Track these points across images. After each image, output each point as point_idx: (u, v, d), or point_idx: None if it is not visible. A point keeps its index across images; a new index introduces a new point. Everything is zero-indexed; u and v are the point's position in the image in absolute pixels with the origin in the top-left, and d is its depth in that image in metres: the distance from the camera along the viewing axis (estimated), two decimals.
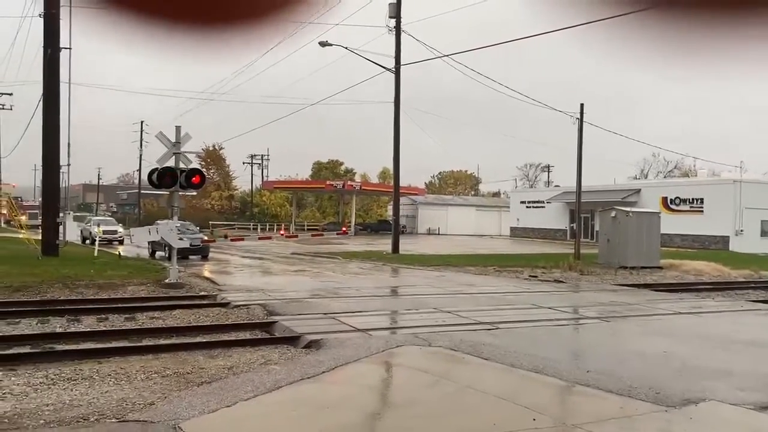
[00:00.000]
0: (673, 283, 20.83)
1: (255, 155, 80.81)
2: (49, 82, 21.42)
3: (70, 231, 32.88)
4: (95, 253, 23.93)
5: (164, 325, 10.62)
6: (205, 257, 26.74)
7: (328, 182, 60.93)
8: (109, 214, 71.88)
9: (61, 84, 21.66)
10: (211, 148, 75.22)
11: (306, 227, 63.66)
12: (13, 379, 6.81)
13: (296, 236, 51.79)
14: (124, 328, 10.37)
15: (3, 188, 39.39)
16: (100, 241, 31.03)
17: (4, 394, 6.24)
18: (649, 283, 20.36)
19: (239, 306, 12.40)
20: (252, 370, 7.47)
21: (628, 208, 27.78)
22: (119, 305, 12.43)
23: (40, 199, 30.23)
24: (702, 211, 43.45)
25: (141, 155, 67.45)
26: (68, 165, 24.00)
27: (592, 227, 46.27)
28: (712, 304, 15.00)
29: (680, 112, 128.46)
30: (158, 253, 26.13)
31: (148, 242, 26.25)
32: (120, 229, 37.39)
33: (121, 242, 34.36)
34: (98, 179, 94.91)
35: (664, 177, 76.75)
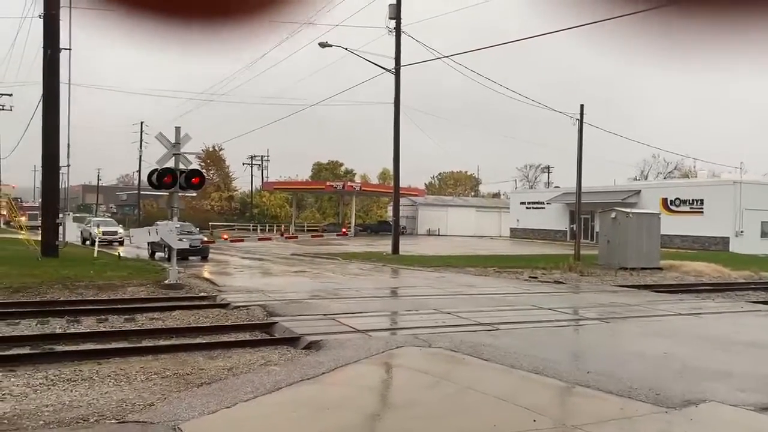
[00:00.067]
0: (673, 284, 20.82)
1: (255, 156, 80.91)
2: (48, 83, 21.42)
3: (70, 232, 32.87)
4: (95, 254, 23.93)
5: (164, 326, 10.61)
6: (204, 258, 26.74)
7: (328, 183, 60.94)
8: (109, 215, 71.85)
9: (61, 85, 21.69)
10: (210, 149, 75.22)
11: (306, 228, 63.65)
12: (12, 380, 6.80)
13: (296, 237, 51.80)
14: (123, 329, 10.36)
15: (3, 189, 39.39)
16: (99, 242, 31.04)
17: (3, 395, 6.23)
18: (649, 284, 20.35)
19: (239, 307, 12.40)
20: (252, 371, 7.46)
21: (628, 209, 27.78)
22: (119, 306, 12.42)
23: (40, 199, 30.22)
24: (702, 212, 43.45)
25: (141, 156, 67.51)
26: (68, 166, 23.97)
27: (592, 228, 46.26)
28: (712, 305, 15.00)
29: (680, 113, 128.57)
30: (158, 254, 26.14)
31: (148, 243, 26.25)
32: (120, 230, 37.38)
33: (121, 243, 34.34)
34: (98, 180, 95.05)
35: (664, 178, 76.78)
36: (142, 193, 69.26)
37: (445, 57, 27.07)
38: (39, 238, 22.74)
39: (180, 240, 17.54)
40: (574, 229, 37.55)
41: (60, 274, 16.16)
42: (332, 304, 13.13)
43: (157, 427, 5.36)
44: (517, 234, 58.81)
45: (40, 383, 6.68)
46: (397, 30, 29.00)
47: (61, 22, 21.31)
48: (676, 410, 6.01)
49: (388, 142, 30.21)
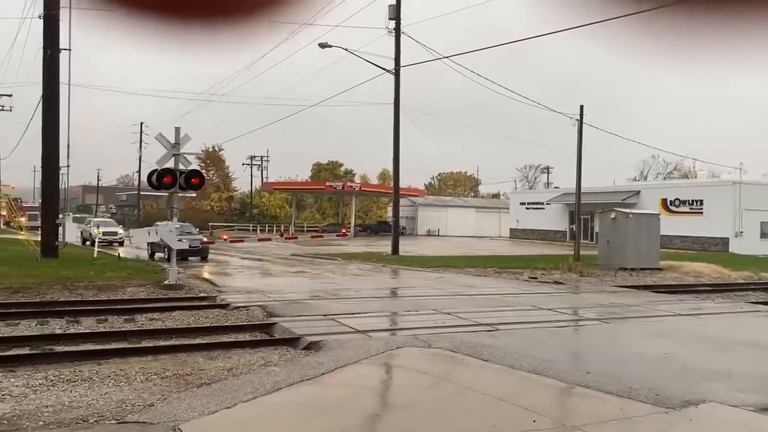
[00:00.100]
0: (673, 284, 20.82)
1: (254, 156, 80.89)
2: (48, 84, 21.43)
3: (70, 232, 32.89)
4: (95, 255, 23.93)
5: (164, 327, 10.61)
6: (204, 259, 26.74)
7: (327, 183, 60.94)
8: (109, 215, 71.85)
9: (60, 85, 21.70)
10: (210, 150, 75.22)
11: (305, 228, 63.64)
12: (12, 380, 6.80)
13: (296, 238, 51.80)
14: (123, 329, 10.36)
15: (2, 189, 39.39)
16: (100, 242, 31.04)
17: (3, 395, 6.23)
18: (649, 284, 20.35)
19: (239, 307, 12.39)
20: (252, 371, 7.46)
21: (627, 210, 27.78)
22: (119, 306, 12.42)
23: (40, 200, 30.21)
24: (702, 213, 43.46)
25: (140, 156, 67.50)
26: (68, 166, 23.99)
27: (592, 229, 46.27)
28: (712, 306, 15.00)
29: (680, 113, 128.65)
30: (157, 255, 26.13)
31: (148, 244, 26.24)
32: (120, 230, 37.39)
33: (120, 244, 34.35)
34: (98, 180, 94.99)
35: (664, 178, 76.79)
36: (141, 193, 69.24)
37: (444, 57, 27.09)
38: (39, 239, 22.74)
39: (180, 240, 17.53)
40: (574, 229, 37.55)
41: (60, 275, 16.16)
42: (332, 304, 13.13)
43: (157, 427, 5.36)
44: (516, 234, 58.81)
45: (39, 384, 6.68)
46: (397, 31, 29.01)
47: (60, 22, 21.35)
48: (676, 411, 6.01)
49: (387, 142, 30.23)
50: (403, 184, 36.41)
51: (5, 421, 5.41)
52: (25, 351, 8.46)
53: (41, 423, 5.40)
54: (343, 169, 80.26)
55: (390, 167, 32.77)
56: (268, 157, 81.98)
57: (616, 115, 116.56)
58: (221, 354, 8.53)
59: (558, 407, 6.53)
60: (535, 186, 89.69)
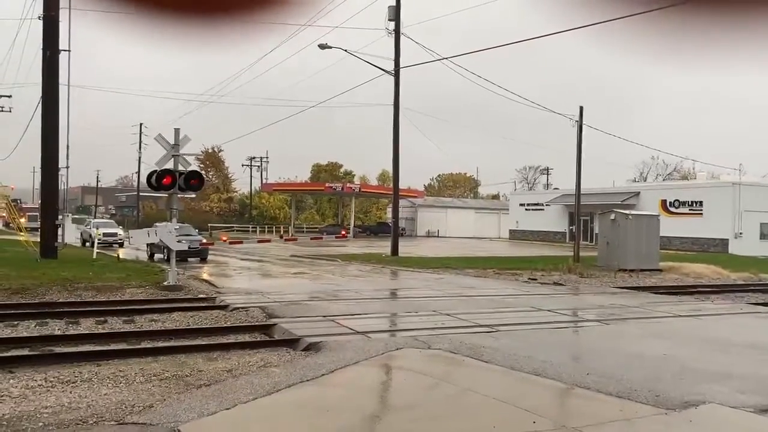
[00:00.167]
0: (673, 285, 20.82)
1: (254, 157, 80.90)
2: (48, 85, 21.43)
3: (69, 233, 32.86)
4: (94, 256, 23.92)
5: (163, 328, 10.60)
6: (203, 260, 26.73)
7: (327, 184, 60.98)
8: (108, 216, 71.85)
9: (60, 86, 21.69)
10: (210, 151, 75.31)
11: (305, 229, 63.67)
12: (11, 381, 6.79)
13: (295, 239, 51.77)
14: (122, 330, 10.35)
15: (1, 190, 39.37)
16: (99, 243, 31.01)
17: (2, 396, 6.22)
18: (649, 285, 20.36)
19: (238, 308, 12.39)
20: (251, 372, 7.46)
21: (627, 211, 27.79)
22: (118, 308, 12.40)
23: (39, 201, 30.20)
24: (701, 214, 43.48)
25: (140, 157, 67.48)
26: (67, 167, 23.97)
27: (592, 230, 46.30)
28: (712, 307, 15.00)
29: (679, 114, 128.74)
30: (157, 256, 26.13)
31: (147, 245, 26.25)
32: (120, 231, 37.37)
33: (121, 245, 34.34)
34: (97, 181, 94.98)
35: (664, 180, 76.80)
36: (141, 194, 69.20)
37: (444, 59, 27.09)
38: (38, 240, 22.73)
39: (179, 241, 17.54)
40: (574, 230, 37.56)
41: (59, 276, 16.14)
42: (332, 305, 13.12)
43: (157, 428, 5.35)
44: (516, 235, 58.82)
45: (39, 385, 6.67)
46: (397, 32, 29.02)
47: (60, 23, 21.35)
48: (676, 412, 6.00)
49: (387, 143, 30.24)
50: (402, 185, 36.42)
51: (4, 423, 5.41)
52: (25, 352, 8.45)
53: (41, 424, 5.39)
54: (342, 170, 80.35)
55: (389, 168, 32.80)
56: (267, 158, 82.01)
57: (616, 116, 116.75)
58: (221, 355, 8.52)
59: (558, 408, 6.53)
60: (534, 187, 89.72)
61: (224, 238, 46.39)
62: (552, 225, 55.19)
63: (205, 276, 19.64)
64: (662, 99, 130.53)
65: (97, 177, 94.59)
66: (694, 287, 20.53)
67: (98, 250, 26.16)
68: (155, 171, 15.90)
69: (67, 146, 22.63)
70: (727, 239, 41.95)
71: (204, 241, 28.96)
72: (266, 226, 64.81)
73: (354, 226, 59.00)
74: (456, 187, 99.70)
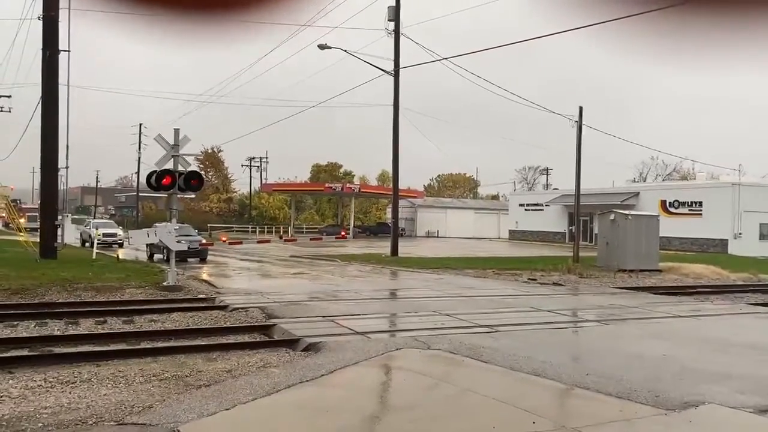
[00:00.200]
0: (672, 286, 20.83)
1: (254, 158, 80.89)
2: (47, 85, 21.42)
3: (69, 234, 32.83)
4: (93, 256, 23.90)
5: (163, 328, 10.59)
6: (203, 260, 26.72)
7: (326, 185, 60.97)
8: (108, 216, 71.84)
9: (60, 86, 21.68)
10: (209, 151, 75.29)
11: (304, 230, 63.65)
12: (11, 382, 6.79)
13: (295, 240, 51.75)
14: (122, 331, 10.34)
15: (1, 190, 39.35)
16: (100, 244, 31.00)
17: (2, 397, 6.21)
18: (648, 286, 20.36)
19: (238, 309, 12.38)
20: (251, 373, 7.45)
21: (627, 211, 27.80)
22: (117, 308, 12.40)
23: (39, 201, 30.20)
24: (701, 214, 43.50)
25: (139, 158, 67.46)
26: (66, 167, 23.95)
27: (591, 230, 46.33)
28: (711, 307, 15.00)
29: (679, 115, 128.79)
30: (156, 256, 26.13)
31: (147, 245, 26.24)
32: (120, 231, 37.36)
33: (120, 245, 34.32)
34: (96, 182, 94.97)
35: (663, 180, 76.83)
36: (140, 194, 69.20)
37: (444, 59, 27.09)
38: (38, 240, 22.72)
39: (178, 242, 17.53)
40: (573, 231, 37.58)
41: (58, 276, 16.14)
42: (331, 305, 13.12)
43: (156, 429, 5.35)
44: (516, 236, 58.82)
45: (38, 385, 6.67)
46: (396, 32, 29.02)
47: (60, 23, 21.35)
48: (676, 412, 6.00)
49: (387, 143, 30.24)
50: (402, 185, 36.42)
51: (4, 423, 5.40)
52: (24, 352, 8.45)
53: (40, 425, 5.39)
54: (342, 170, 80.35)
55: (389, 168, 32.79)
56: (267, 158, 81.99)
57: (616, 117, 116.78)
58: (220, 355, 8.52)
59: (558, 409, 6.53)
60: (534, 187, 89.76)
61: (224, 239, 46.37)
62: (551, 225, 55.20)
63: (204, 276, 19.63)
64: (662, 99, 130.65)
65: (97, 177, 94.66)
66: (693, 288, 20.53)
67: (98, 251, 26.15)
68: (155, 171, 15.90)
69: (67, 146, 22.62)
70: (727, 240, 41.97)
71: (203, 241, 28.95)
72: (266, 227, 64.80)
73: (353, 227, 58.99)
74: (456, 188, 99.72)
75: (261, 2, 1.29)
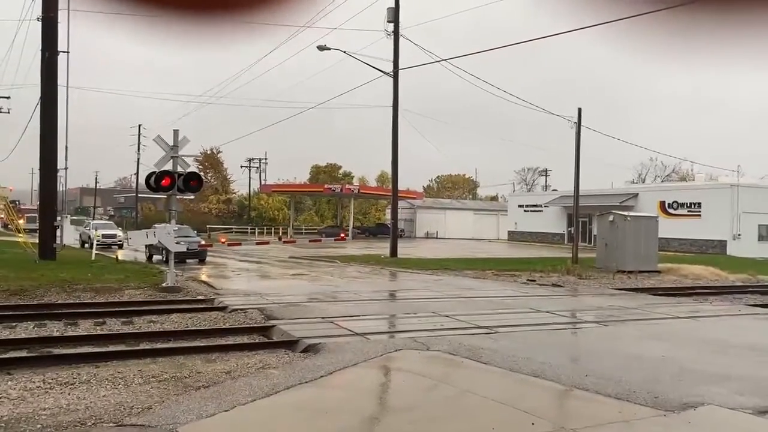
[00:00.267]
0: (671, 287, 20.83)
1: (253, 159, 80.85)
2: (46, 86, 21.41)
3: (68, 234, 32.83)
4: (92, 257, 23.89)
5: (162, 329, 10.59)
6: (202, 261, 26.70)
7: (326, 186, 60.96)
8: (107, 217, 71.80)
9: (59, 87, 21.68)
10: (208, 152, 75.27)
11: (304, 231, 63.61)
12: (10, 383, 6.78)
13: (294, 241, 51.71)
14: (121, 332, 10.33)
15: (0, 191, 39.25)
16: (99, 245, 30.99)
17: (1, 398, 6.21)
18: (647, 287, 20.37)
19: (237, 310, 12.38)
20: (250, 374, 7.45)
21: (625, 212, 27.82)
22: (116, 309, 12.39)
23: (38, 202, 30.18)
24: (699, 215, 43.53)
25: (139, 159, 67.45)
26: (66, 168, 23.99)
27: (590, 231, 46.35)
28: (710, 309, 15.01)
29: (678, 116, 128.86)
30: (155, 257, 26.12)
31: (146, 246, 26.24)
32: (119, 232, 37.34)
33: (120, 246, 34.29)
34: (95, 183, 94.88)
35: (662, 181, 76.88)
36: (139, 195, 69.17)
37: (443, 60, 27.10)
38: (37, 241, 22.70)
39: (177, 243, 17.52)
40: (572, 232, 37.60)
41: (57, 277, 16.13)
42: (330, 307, 13.12)
43: (155, 430, 5.35)
44: (515, 237, 58.83)
45: (37, 386, 6.66)
46: (396, 33, 29.04)
47: (59, 24, 21.35)
48: (675, 413, 6.01)
49: (386, 144, 30.25)
50: (401, 186, 36.41)
51: (3, 424, 5.40)
52: (23, 354, 8.44)
53: (39, 426, 5.38)
54: (341, 171, 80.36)
55: (388, 169, 32.81)
56: (266, 159, 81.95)
57: (615, 118, 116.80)
58: (219, 357, 8.52)
59: (557, 410, 6.53)
60: (533, 189, 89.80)
61: (223, 240, 46.32)
62: (550, 226, 55.22)
63: (203, 277, 19.63)
64: (661, 100, 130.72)
65: (96, 178, 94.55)
66: (692, 289, 20.55)
67: (97, 252, 26.14)
68: (154, 172, 15.89)
69: (66, 147, 22.69)
70: (726, 241, 42.00)
71: (202, 242, 28.94)
72: (265, 228, 64.74)
73: (353, 228, 58.98)
74: (455, 189, 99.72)
75: (261, 3, 1.29)
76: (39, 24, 21.34)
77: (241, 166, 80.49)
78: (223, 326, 11.04)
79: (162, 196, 17.67)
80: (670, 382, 7.25)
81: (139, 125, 68.54)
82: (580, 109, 29.37)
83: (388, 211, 51.75)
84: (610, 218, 25.81)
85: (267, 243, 48.75)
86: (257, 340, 9.89)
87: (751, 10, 1.06)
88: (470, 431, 5.58)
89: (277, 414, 6.11)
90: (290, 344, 9.21)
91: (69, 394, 6.43)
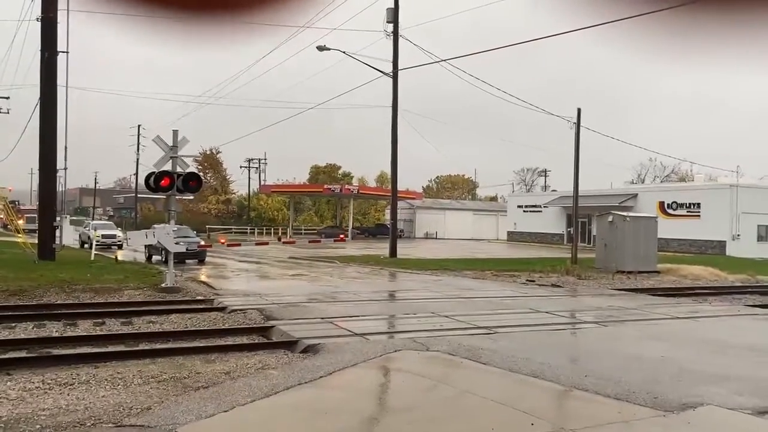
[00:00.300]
0: (671, 287, 20.84)
1: (252, 159, 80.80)
2: (46, 86, 21.40)
3: (67, 235, 32.79)
4: (92, 257, 23.88)
5: (161, 330, 10.59)
6: (201, 261, 26.69)
7: (325, 186, 60.96)
8: (106, 218, 71.78)
9: (58, 87, 21.68)
10: (208, 152, 75.26)
11: (303, 231, 63.59)
12: (9, 383, 6.78)
13: (294, 242, 51.70)
14: (120, 332, 10.33)
15: None
16: (99, 245, 30.97)
17: (0, 399, 6.21)
18: (647, 287, 20.37)
19: (236, 310, 12.37)
20: (249, 374, 7.45)
21: (625, 213, 27.84)
22: (116, 309, 12.39)
23: (37, 202, 30.17)
24: (699, 216, 43.56)
25: (138, 159, 67.48)
26: (65, 169, 23.97)
27: (590, 232, 46.35)
28: (710, 309, 15.02)
29: (677, 116, 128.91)
30: (155, 258, 26.10)
31: (145, 246, 26.23)
32: (119, 233, 37.32)
33: (120, 247, 34.27)
34: (95, 183, 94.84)
35: (661, 181, 76.94)
36: (139, 196, 69.18)
37: (442, 60, 27.12)
38: (36, 242, 22.69)
39: (177, 243, 17.52)
40: (572, 232, 37.61)
41: (57, 278, 16.12)
42: (330, 307, 13.11)
43: (154, 431, 5.35)
44: (514, 237, 58.84)
45: (36, 387, 6.66)
46: (395, 34, 29.05)
47: (59, 24, 21.34)
48: (674, 414, 6.01)
49: (385, 145, 30.26)
50: (401, 186, 36.41)
51: (2, 425, 5.40)
52: (22, 354, 8.44)
53: (38, 426, 5.38)
54: (341, 171, 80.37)
55: (388, 170, 32.81)
56: (265, 159, 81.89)
57: (614, 118, 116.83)
58: (219, 357, 8.51)
59: (556, 410, 6.53)
60: (532, 189, 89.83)
61: (222, 240, 46.26)
62: (550, 227, 55.23)
63: (203, 278, 19.62)
64: (660, 101, 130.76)
65: (95, 178, 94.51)
66: (691, 289, 20.55)
67: (96, 252, 26.13)
68: (153, 173, 15.88)
69: (65, 148, 22.66)
70: (725, 241, 42.02)
71: (202, 243, 28.93)
72: (264, 228, 64.72)
73: (352, 228, 58.98)
74: (454, 189, 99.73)
75: (260, 3, 1.29)
76: (38, 24, 21.34)
77: (241, 167, 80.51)
78: (223, 327, 11.03)
79: (161, 196, 17.65)
80: (669, 382, 7.25)
81: (139, 125, 68.65)
82: (579, 110, 29.39)
83: (388, 212, 51.78)
84: (610, 219, 25.82)
85: (266, 243, 48.72)
86: (257, 341, 9.89)
87: (751, 10, 1.06)
88: None
89: (277, 414, 6.11)
90: (289, 345, 9.21)
91: (68, 394, 6.43)
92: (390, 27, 29.10)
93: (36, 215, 24.59)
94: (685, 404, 6.28)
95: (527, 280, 20.70)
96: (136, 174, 68.58)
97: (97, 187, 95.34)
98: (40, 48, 21.36)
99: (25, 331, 10.30)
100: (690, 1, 1.10)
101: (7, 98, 36.76)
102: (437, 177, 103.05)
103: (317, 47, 29.11)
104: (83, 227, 40.94)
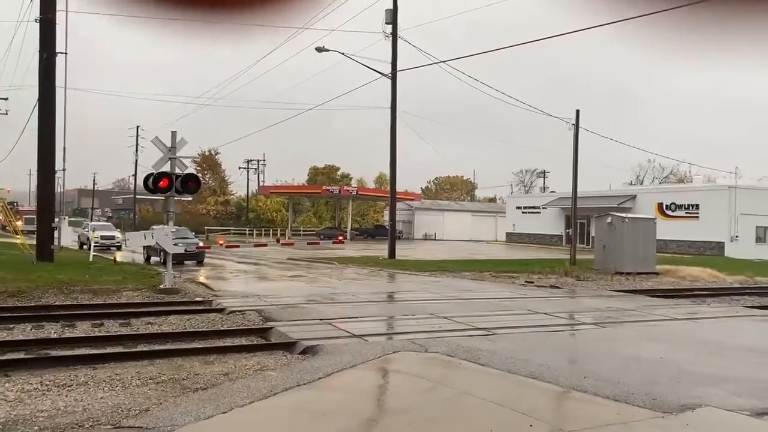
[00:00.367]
0: (669, 288, 20.85)
1: (251, 160, 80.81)
2: (44, 87, 21.39)
3: (66, 236, 32.75)
4: (90, 259, 23.86)
5: (159, 331, 10.57)
6: (200, 263, 26.65)
7: (324, 187, 60.99)
8: (105, 219, 71.74)
9: (57, 88, 21.66)
10: (206, 153, 75.24)
11: (302, 232, 63.57)
12: (7, 385, 6.77)
13: (292, 243, 51.63)
14: (119, 333, 10.31)
15: None
16: (98, 246, 30.94)
17: None
18: (645, 288, 20.38)
19: (235, 312, 12.36)
20: (248, 376, 7.44)
21: (623, 214, 27.88)
22: (114, 311, 12.37)
23: (36, 203, 30.14)
24: (697, 217, 43.61)
25: (137, 160, 67.47)
26: (63, 170, 23.93)
27: (588, 233, 46.38)
28: (708, 310, 15.03)
29: (677, 118, 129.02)
30: (153, 259, 26.09)
31: (144, 247, 26.22)
32: (118, 234, 37.28)
33: (118, 248, 34.23)
34: (93, 184, 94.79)
35: (660, 183, 77.04)
36: (137, 197, 69.16)
37: (441, 62, 27.14)
38: (34, 243, 22.67)
39: (175, 245, 17.51)
40: (570, 233, 37.63)
41: (55, 279, 16.10)
42: (328, 308, 13.11)
43: None
44: (513, 238, 58.86)
45: (35, 388, 6.65)
46: (394, 35, 29.06)
47: (57, 25, 21.34)
48: (673, 415, 6.01)
49: (384, 146, 30.28)
50: (399, 188, 36.43)
51: (0, 426, 5.39)
52: (21, 355, 8.42)
53: (36, 428, 5.37)
54: (340, 172, 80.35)
55: (387, 171, 32.80)
56: (264, 160, 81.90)
57: (613, 119, 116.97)
58: (217, 358, 8.50)
59: (555, 412, 6.53)
60: (531, 190, 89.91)
61: (221, 242, 46.08)
62: (549, 228, 55.27)
63: (201, 279, 19.61)
64: (660, 102, 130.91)
65: (94, 180, 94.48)
66: (690, 290, 20.56)
67: (95, 253, 26.10)
68: (152, 174, 15.88)
69: (64, 149, 22.62)
70: (723, 242, 42.07)
71: (200, 244, 28.90)
72: (263, 229, 64.69)
73: (351, 229, 58.97)
74: (453, 190, 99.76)
75: (260, 3, 1.29)
76: (37, 25, 21.33)
77: (240, 168, 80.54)
78: (221, 328, 11.02)
79: (160, 197, 17.65)
80: (668, 383, 7.25)
81: (138, 127, 68.68)
82: (578, 111, 29.42)
83: (387, 213, 51.75)
84: (608, 220, 25.84)
85: (265, 245, 48.57)
86: (255, 342, 9.88)
87: (751, 10, 1.06)
88: None
89: (275, 416, 6.10)
90: (288, 346, 9.20)
91: (66, 396, 6.42)
92: (389, 28, 29.14)
93: (34, 216, 24.59)
94: (683, 405, 6.28)
95: (526, 282, 20.71)
96: (135, 175, 68.62)
97: (95, 188, 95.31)
98: (38, 49, 21.36)
99: (23, 332, 10.28)
100: (691, 2, 1.10)
101: (6, 99, 36.72)
102: (436, 178, 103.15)
103: (316, 48, 29.13)
104: (82, 228, 40.89)
